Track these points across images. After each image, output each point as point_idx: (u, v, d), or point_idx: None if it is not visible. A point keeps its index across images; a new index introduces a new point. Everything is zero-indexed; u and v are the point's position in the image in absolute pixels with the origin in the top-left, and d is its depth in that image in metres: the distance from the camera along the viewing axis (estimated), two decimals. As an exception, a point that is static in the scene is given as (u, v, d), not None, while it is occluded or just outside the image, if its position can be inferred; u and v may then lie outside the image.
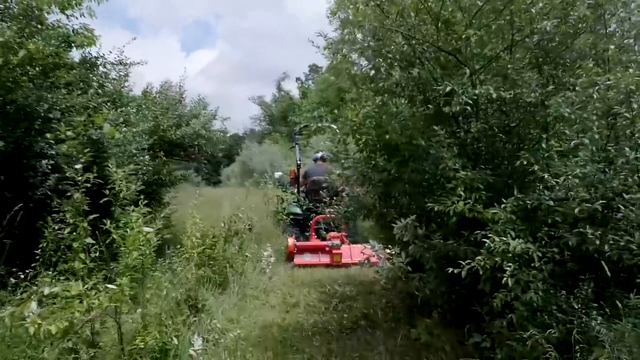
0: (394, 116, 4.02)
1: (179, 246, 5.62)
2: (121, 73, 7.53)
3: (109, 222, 3.44)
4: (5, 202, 4.64)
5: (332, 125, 6.55)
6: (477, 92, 3.25)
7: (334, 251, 7.82)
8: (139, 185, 6.18)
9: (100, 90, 5.97)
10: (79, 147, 3.44)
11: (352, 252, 7.70)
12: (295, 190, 10.14)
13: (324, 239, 8.32)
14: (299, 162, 10.29)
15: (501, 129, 3.80)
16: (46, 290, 3.09)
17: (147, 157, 6.69)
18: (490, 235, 3.04)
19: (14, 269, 4.01)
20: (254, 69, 79.81)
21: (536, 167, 3.13)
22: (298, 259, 7.90)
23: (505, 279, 2.89)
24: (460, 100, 3.23)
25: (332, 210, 5.53)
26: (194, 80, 77.00)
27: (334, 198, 6.06)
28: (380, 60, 3.73)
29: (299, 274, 7.18)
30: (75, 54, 6.78)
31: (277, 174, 11.75)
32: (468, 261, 3.04)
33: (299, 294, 6.09)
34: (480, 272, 3.00)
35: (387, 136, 3.90)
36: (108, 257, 3.61)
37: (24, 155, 5.02)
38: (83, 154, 3.45)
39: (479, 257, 3.01)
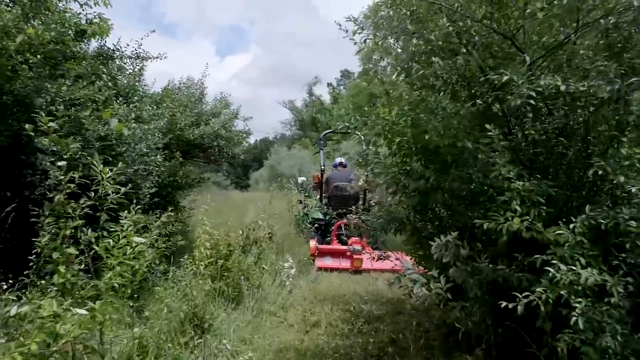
0: (434, 114, 3.40)
1: (185, 256, 5.14)
2: (137, 67, 7.10)
3: (89, 230, 2.94)
4: (0, 201, 4.22)
5: (357, 132, 6.20)
6: (542, 83, 2.62)
7: (354, 256, 7.74)
8: (151, 187, 5.81)
9: (110, 83, 5.53)
10: (63, 141, 2.95)
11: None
12: (318, 196, 9.98)
13: (345, 244, 8.15)
14: (322, 167, 10.13)
15: (563, 131, 3.17)
16: (13, 310, 2.58)
17: (159, 157, 6.20)
18: (554, 261, 2.44)
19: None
20: (285, 73, 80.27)
21: (622, 179, 2.48)
22: (319, 262, 7.92)
23: (574, 318, 2.31)
24: (521, 92, 2.60)
25: (353, 217, 4.98)
26: (227, 84, 78.24)
27: (358, 205, 5.58)
28: (421, 43, 3.11)
29: (322, 288, 6.61)
30: (93, 46, 6.46)
31: (300, 179, 11.44)
32: (526, 293, 2.44)
33: (320, 311, 5.52)
34: (542, 308, 2.39)
35: (426, 137, 3.27)
36: (92, 271, 3.11)
37: (22, 151, 4.59)
38: (67, 149, 2.96)
39: (539, 289, 2.43)
